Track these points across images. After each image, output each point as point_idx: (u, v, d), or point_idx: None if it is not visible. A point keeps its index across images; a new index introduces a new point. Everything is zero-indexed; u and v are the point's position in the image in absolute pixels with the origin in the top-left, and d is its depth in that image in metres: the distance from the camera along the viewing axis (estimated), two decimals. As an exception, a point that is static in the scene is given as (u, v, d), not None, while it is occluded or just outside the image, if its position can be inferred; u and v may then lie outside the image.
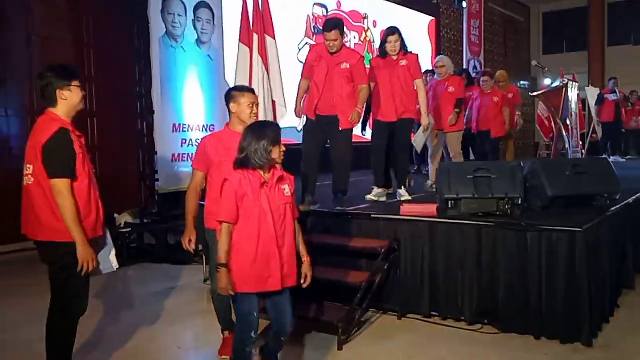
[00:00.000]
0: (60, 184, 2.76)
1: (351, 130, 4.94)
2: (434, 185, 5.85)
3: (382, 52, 5.27)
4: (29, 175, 2.86)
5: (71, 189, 2.79)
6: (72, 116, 2.96)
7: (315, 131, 4.96)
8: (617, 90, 10.95)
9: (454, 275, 4.12)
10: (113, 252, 3.18)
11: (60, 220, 2.79)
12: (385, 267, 4.24)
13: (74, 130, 2.89)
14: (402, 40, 5.22)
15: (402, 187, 5.38)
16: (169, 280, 5.51)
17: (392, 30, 5.22)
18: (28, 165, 2.86)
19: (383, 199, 5.27)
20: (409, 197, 5.25)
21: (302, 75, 5.12)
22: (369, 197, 5.22)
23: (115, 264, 3.18)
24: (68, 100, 2.90)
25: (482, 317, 4.04)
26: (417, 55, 5.40)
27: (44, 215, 2.83)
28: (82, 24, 7.42)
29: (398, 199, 5.22)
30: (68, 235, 2.80)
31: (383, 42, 5.27)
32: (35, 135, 2.86)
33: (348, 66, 4.81)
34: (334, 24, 4.83)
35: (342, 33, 4.84)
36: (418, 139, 6.03)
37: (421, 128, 5.57)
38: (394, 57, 5.21)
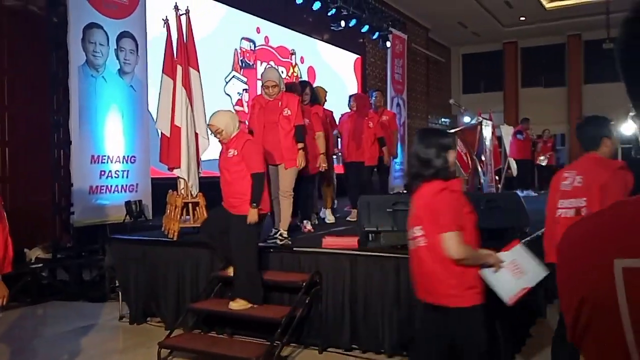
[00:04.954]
0: None
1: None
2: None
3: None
4: None
5: None
6: None
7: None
8: (522, 132, 11.64)
9: (373, 308, 4.16)
10: None
11: None
12: (307, 301, 4.23)
13: None
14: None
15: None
16: (83, 318, 5.23)
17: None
18: None
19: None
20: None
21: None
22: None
23: None
24: None
25: (400, 349, 4.09)
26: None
27: None
28: (-4, 48, 7.10)
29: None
30: None
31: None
32: None
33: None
34: None
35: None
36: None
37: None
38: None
